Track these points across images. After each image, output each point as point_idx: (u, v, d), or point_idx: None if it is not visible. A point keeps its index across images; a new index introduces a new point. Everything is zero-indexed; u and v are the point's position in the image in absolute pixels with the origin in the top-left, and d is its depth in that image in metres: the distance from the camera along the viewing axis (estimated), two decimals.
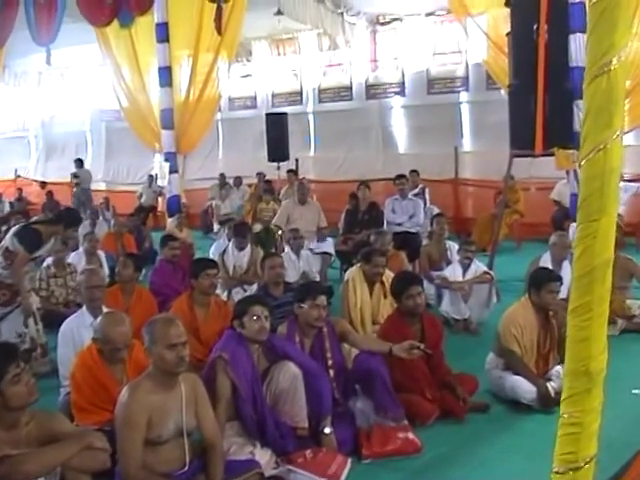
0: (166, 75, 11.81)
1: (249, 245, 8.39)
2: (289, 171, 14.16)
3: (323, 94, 16.60)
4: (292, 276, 7.75)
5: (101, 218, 13.66)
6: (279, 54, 17.04)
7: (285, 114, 14.40)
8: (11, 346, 3.31)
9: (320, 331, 4.89)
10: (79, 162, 18.72)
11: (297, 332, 4.88)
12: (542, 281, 5.27)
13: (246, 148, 16.99)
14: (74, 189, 18.35)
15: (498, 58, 9.81)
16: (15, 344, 3.39)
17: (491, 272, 7.63)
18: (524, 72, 7.98)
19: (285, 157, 14.17)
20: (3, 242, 6.47)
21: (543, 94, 7.73)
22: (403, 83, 15.55)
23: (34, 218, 10.47)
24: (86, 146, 20.83)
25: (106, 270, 8.74)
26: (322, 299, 4.84)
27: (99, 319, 4.44)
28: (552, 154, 8.15)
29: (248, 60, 17.23)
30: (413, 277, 5.47)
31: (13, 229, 6.51)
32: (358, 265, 6.60)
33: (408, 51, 15.36)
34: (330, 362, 4.82)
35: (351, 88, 16.22)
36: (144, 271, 8.58)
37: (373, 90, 15.93)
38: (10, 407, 3.14)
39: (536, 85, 7.74)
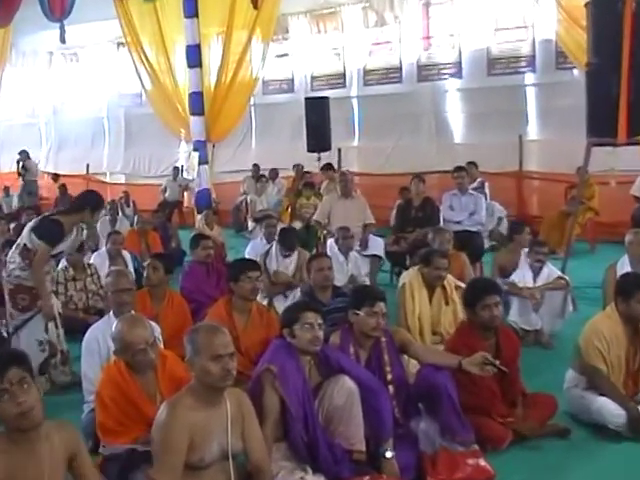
0: (195, 54, 11.89)
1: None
2: (325, 166, 14.02)
3: (369, 76, 16.53)
4: (339, 280, 7.69)
5: (120, 214, 13.78)
6: (319, 31, 16.99)
7: (326, 98, 14.38)
8: (8, 356, 3.25)
9: (378, 342, 4.85)
10: (24, 153, 19.04)
11: (352, 342, 4.84)
12: (631, 289, 5.14)
13: (282, 137, 17.00)
14: (20, 181, 18.88)
15: (573, 32, 9.68)
16: (16, 354, 3.32)
17: (566, 277, 7.51)
18: (606, 48, 7.79)
19: (326, 147, 14.14)
20: (20, 239, 6.43)
21: (628, 74, 7.55)
22: (460, 63, 15.41)
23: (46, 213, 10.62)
24: (103, 134, 20.95)
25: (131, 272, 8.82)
26: (381, 306, 4.81)
27: (113, 327, 4.45)
28: (638, 143, 7.99)
29: (285, 38, 17.22)
30: (490, 284, 5.35)
31: (30, 224, 6.44)
32: (416, 268, 6.54)
33: (466, 27, 15.21)
34: (389, 377, 4.78)
35: (401, 69, 16.12)
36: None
37: (426, 71, 15.82)
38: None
39: (620, 63, 7.57)
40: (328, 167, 13.95)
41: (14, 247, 6.44)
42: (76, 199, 6.66)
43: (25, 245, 6.29)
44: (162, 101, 13.33)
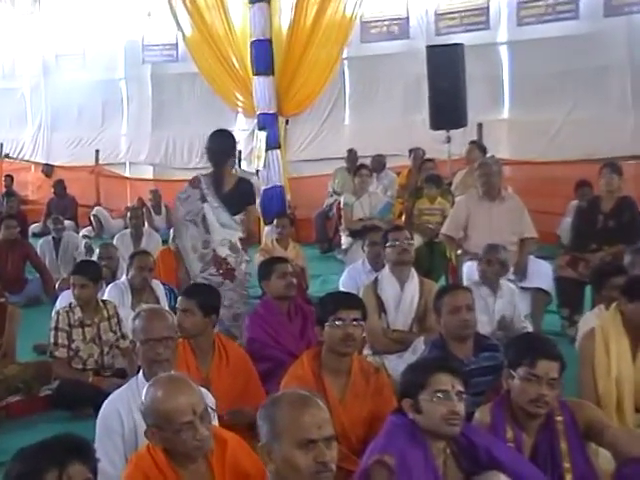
0: None
1: (415, 274, 8.31)
2: (473, 143, 14.00)
3: (525, 10, 16.51)
4: (484, 324, 7.67)
5: (147, 226, 13.96)
6: None
7: (459, 47, 14.42)
8: (72, 445, 3.35)
9: (549, 421, 4.84)
10: None
11: (508, 422, 4.85)
12: None
13: (391, 107, 17.13)
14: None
15: None
16: (83, 444, 3.41)
17: None
18: None
19: (460, 121, 14.14)
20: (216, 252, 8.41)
21: None
22: None
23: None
24: (120, 106, 21.44)
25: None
26: (547, 366, 4.79)
27: (143, 394, 4.44)
28: None
29: None
30: None
31: (214, 226, 8.24)
32: (611, 306, 6.47)
33: None
34: (569, 477, 4.75)
35: None
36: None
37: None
38: None
39: None
40: (478, 146, 13.81)
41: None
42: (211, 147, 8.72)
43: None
44: (209, 54, 13.49)
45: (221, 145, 8.70)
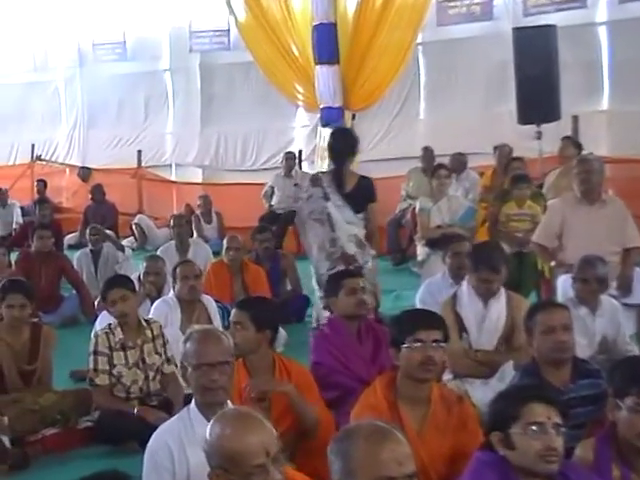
0: None
1: (501, 289, 8.24)
2: (567, 138, 13.92)
3: None
4: (583, 347, 7.61)
5: (196, 235, 13.98)
6: None
7: (551, 28, 14.35)
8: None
9: None
10: None
11: (614, 459, 4.79)
12: None
13: (472, 98, 17.11)
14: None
15: None
16: (117, 477, 3.45)
17: None
18: None
19: (552, 114, 14.06)
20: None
21: None
22: None
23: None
24: (165, 100, 21.57)
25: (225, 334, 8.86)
26: None
27: (207, 430, 4.34)
28: None
29: None
30: None
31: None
32: None
33: None
34: None
35: None
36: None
37: None
38: None
39: None
40: (573, 143, 13.77)
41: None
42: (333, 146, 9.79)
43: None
44: (265, 41, 13.54)
45: (343, 144, 9.77)
